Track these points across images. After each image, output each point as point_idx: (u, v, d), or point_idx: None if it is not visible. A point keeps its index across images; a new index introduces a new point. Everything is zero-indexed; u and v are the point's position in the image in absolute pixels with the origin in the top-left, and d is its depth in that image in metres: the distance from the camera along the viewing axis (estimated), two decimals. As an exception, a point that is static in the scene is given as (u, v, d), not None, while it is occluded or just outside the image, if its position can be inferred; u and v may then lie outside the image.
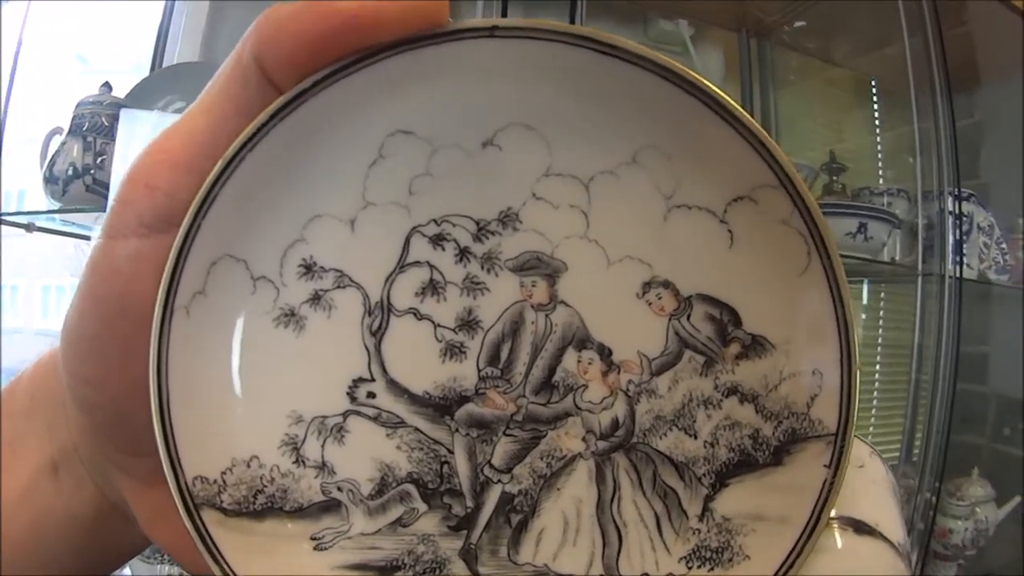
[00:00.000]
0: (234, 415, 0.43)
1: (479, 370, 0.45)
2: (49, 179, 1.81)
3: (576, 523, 0.46)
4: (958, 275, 2.40)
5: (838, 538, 0.50)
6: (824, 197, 2.43)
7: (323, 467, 0.45)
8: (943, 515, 2.45)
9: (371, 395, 0.45)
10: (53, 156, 1.83)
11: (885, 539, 0.51)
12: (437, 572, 0.45)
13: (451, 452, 0.45)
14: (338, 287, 0.44)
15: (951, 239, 2.40)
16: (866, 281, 2.89)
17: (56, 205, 1.84)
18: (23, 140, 2.07)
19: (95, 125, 1.81)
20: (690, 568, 0.45)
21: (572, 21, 2.09)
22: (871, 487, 0.55)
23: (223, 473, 0.43)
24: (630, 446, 0.45)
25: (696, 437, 0.45)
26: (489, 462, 0.46)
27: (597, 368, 0.45)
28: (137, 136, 1.70)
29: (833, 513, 0.42)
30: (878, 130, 3.12)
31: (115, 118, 1.80)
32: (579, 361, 0.45)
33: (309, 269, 0.44)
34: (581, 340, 0.45)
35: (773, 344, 0.44)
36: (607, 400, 0.45)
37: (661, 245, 0.44)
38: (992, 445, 2.98)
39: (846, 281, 0.41)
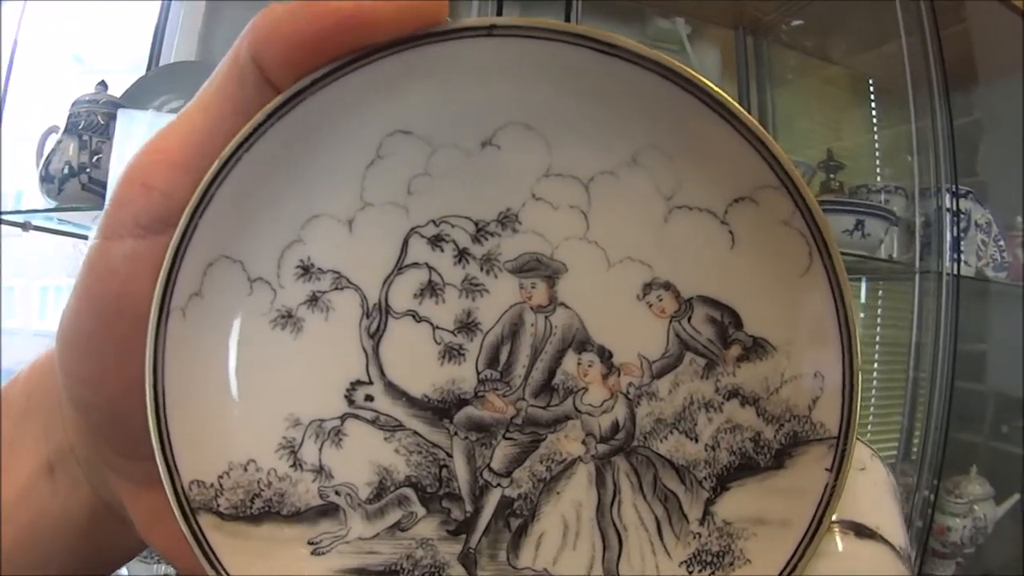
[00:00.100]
0: (231, 418, 0.43)
1: (478, 373, 0.45)
2: (45, 178, 1.81)
3: (576, 527, 0.45)
4: (955, 272, 2.40)
5: (839, 542, 0.50)
6: (821, 195, 2.43)
7: (321, 471, 0.44)
8: (941, 513, 2.45)
9: (369, 398, 0.45)
10: (49, 155, 1.83)
11: (886, 542, 0.51)
12: None
13: (450, 456, 0.45)
14: (336, 288, 0.44)
15: (948, 236, 2.40)
16: (864, 279, 2.89)
17: (52, 204, 1.85)
18: (21, 140, 2.07)
19: (91, 124, 1.81)
20: (691, 572, 0.44)
21: (568, 19, 2.09)
22: (872, 490, 0.55)
23: (220, 477, 0.42)
24: (630, 449, 0.45)
25: (697, 440, 0.45)
26: (488, 466, 0.45)
27: (597, 371, 0.45)
28: (134, 135, 1.70)
29: (834, 516, 0.42)
30: (876, 128, 3.12)
31: (111, 117, 1.81)
32: (579, 363, 0.45)
33: (307, 270, 0.43)
34: (581, 342, 0.45)
35: (774, 346, 0.44)
36: (607, 403, 0.45)
37: (662, 246, 0.44)
38: (990, 443, 2.98)
39: (848, 282, 0.40)
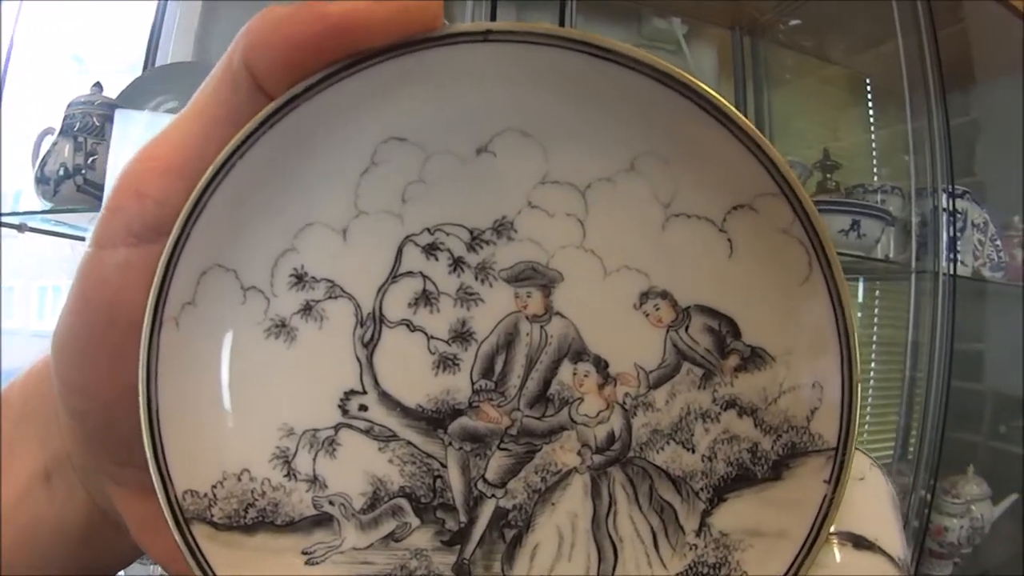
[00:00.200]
0: (225, 427, 0.43)
1: (473, 383, 0.45)
2: (40, 179, 1.81)
3: (571, 538, 0.45)
4: (952, 272, 2.40)
5: (837, 553, 0.49)
6: (818, 195, 2.44)
7: (315, 481, 0.44)
8: (938, 513, 2.45)
9: (363, 408, 0.44)
10: (44, 156, 1.83)
11: (885, 554, 0.51)
12: None
13: (444, 466, 0.45)
14: (330, 297, 0.44)
15: (945, 236, 2.40)
16: (861, 279, 2.89)
17: (48, 205, 1.84)
18: (19, 141, 2.07)
19: (86, 125, 1.80)
20: None
21: (562, 19, 2.09)
22: (871, 501, 0.54)
23: (213, 487, 0.42)
24: (626, 460, 0.45)
25: (694, 451, 0.45)
26: (483, 476, 0.45)
27: (593, 381, 0.45)
28: (131, 136, 1.70)
29: (832, 528, 0.41)
30: (873, 128, 3.12)
31: (106, 118, 1.81)
32: (575, 373, 0.45)
33: (300, 279, 0.43)
34: (577, 352, 0.45)
35: (773, 356, 0.44)
36: (603, 413, 0.45)
37: (659, 255, 0.44)
38: (988, 443, 2.98)
39: (848, 292, 0.40)
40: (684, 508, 0.45)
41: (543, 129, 0.42)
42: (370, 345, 0.44)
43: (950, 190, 2.44)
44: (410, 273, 0.44)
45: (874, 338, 2.99)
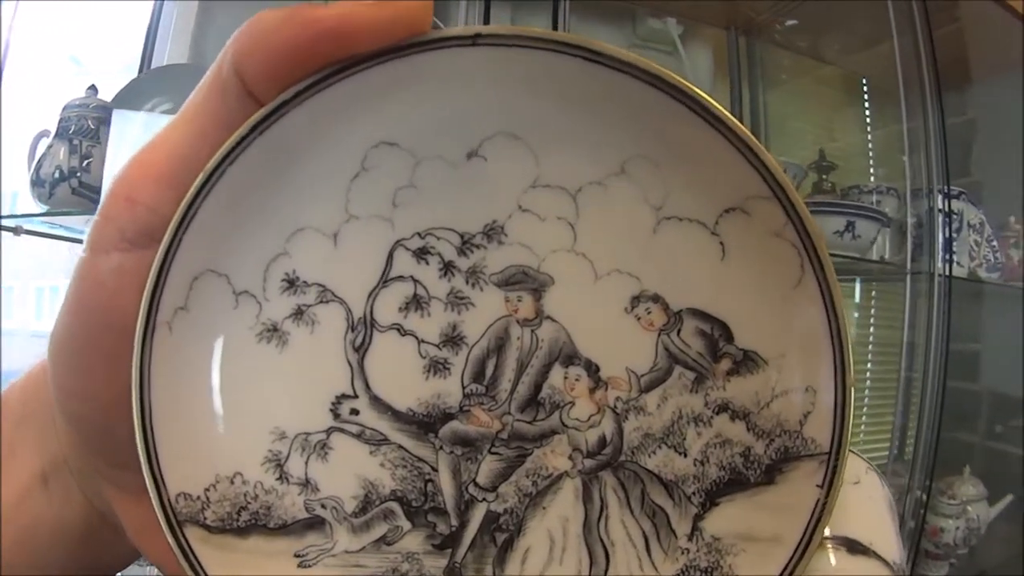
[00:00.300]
0: (217, 431, 0.43)
1: (463, 387, 0.45)
2: (36, 182, 1.80)
3: (562, 542, 0.45)
4: (947, 273, 2.40)
5: (831, 558, 0.49)
6: (813, 195, 2.44)
7: (307, 484, 0.44)
8: (934, 514, 2.45)
9: (354, 412, 0.44)
10: (40, 159, 1.82)
11: (880, 559, 0.51)
12: None
13: (435, 470, 0.45)
14: (321, 302, 0.44)
15: (940, 237, 2.40)
16: (858, 280, 2.89)
17: (43, 208, 1.84)
18: (17, 142, 2.07)
19: (81, 128, 1.80)
20: None
21: (555, 20, 2.09)
22: (867, 504, 0.54)
23: (206, 490, 0.42)
24: (618, 464, 0.45)
25: (686, 455, 0.45)
26: (474, 480, 0.45)
27: (584, 385, 0.45)
28: (127, 137, 1.70)
29: (826, 532, 0.41)
30: (869, 129, 3.12)
31: (101, 121, 1.80)
32: (566, 377, 0.45)
33: (292, 284, 0.43)
34: (568, 356, 0.45)
35: (765, 360, 0.43)
36: (594, 417, 0.45)
37: (650, 258, 0.44)
38: (985, 443, 2.99)
39: (841, 294, 0.40)
40: (676, 512, 0.45)
41: (533, 133, 0.42)
42: (361, 349, 0.44)
43: (946, 191, 2.44)
44: (401, 277, 0.44)
45: (870, 339, 2.99)
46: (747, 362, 0.44)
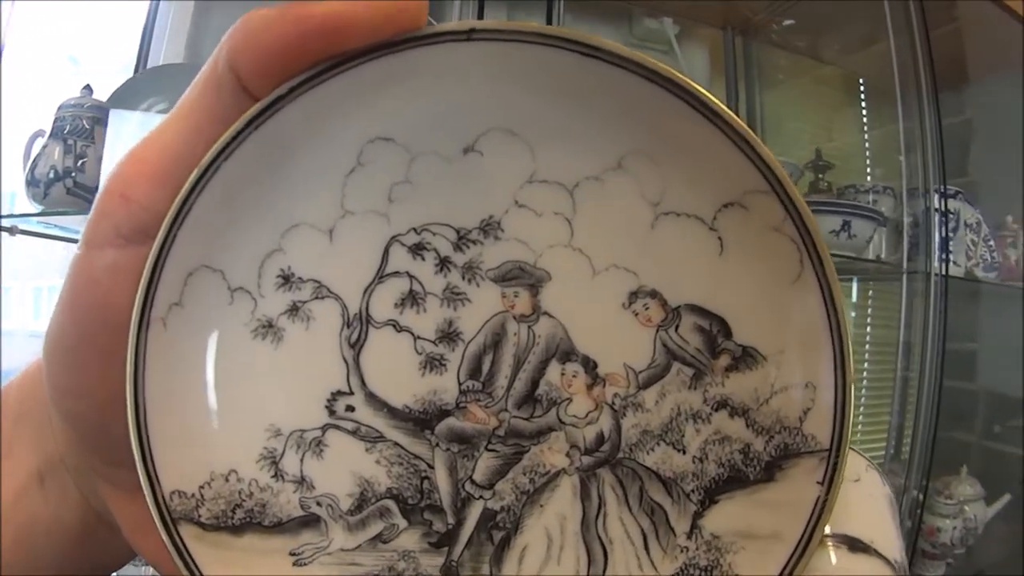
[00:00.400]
0: (212, 428, 0.43)
1: (460, 383, 0.45)
2: (31, 182, 1.80)
3: (560, 540, 0.45)
4: (944, 272, 2.40)
5: (832, 556, 0.49)
6: (810, 195, 2.44)
7: (302, 481, 0.44)
8: (931, 513, 2.45)
9: (350, 408, 0.44)
10: (35, 159, 1.83)
11: (881, 557, 0.50)
12: None
13: (431, 467, 0.45)
14: (316, 298, 0.44)
15: (937, 236, 2.40)
16: (855, 279, 2.90)
17: (39, 208, 1.84)
18: (16, 143, 2.07)
19: (76, 128, 1.80)
20: None
21: (549, 19, 2.09)
22: (867, 502, 0.54)
23: (201, 487, 0.42)
24: (616, 461, 0.45)
25: (684, 452, 0.44)
26: (470, 478, 0.45)
27: (581, 381, 0.45)
28: (124, 137, 1.71)
29: (827, 530, 0.41)
30: (866, 129, 3.12)
31: (96, 121, 1.81)
32: (563, 374, 0.45)
33: (287, 280, 0.43)
34: (565, 352, 0.44)
35: (764, 356, 0.43)
36: (592, 414, 0.45)
37: (648, 253, 0.43)
38: (982, 442, 2.99)
39: (840, 290, 0.40)
40: (675, 510, 0.44)
41: (530, 128, 0.42)
42: (357, 346, 0.44)
43: (942, 190, 2.44)
44: (396, 273, 0.44)
45: (867, 338, 2.99)
46: (746, 358, 0.43)
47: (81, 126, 1.80)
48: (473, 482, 0.45)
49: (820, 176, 2.52)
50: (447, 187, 0.43)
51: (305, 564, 0.44)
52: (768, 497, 0.43)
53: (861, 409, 2.85)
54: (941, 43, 2.51)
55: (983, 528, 2.53)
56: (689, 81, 0.38)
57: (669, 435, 0.44)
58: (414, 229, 0.43)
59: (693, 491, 0.44)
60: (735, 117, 0.38)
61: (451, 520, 0.45)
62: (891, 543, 0.52)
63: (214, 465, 0.43)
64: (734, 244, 0.43)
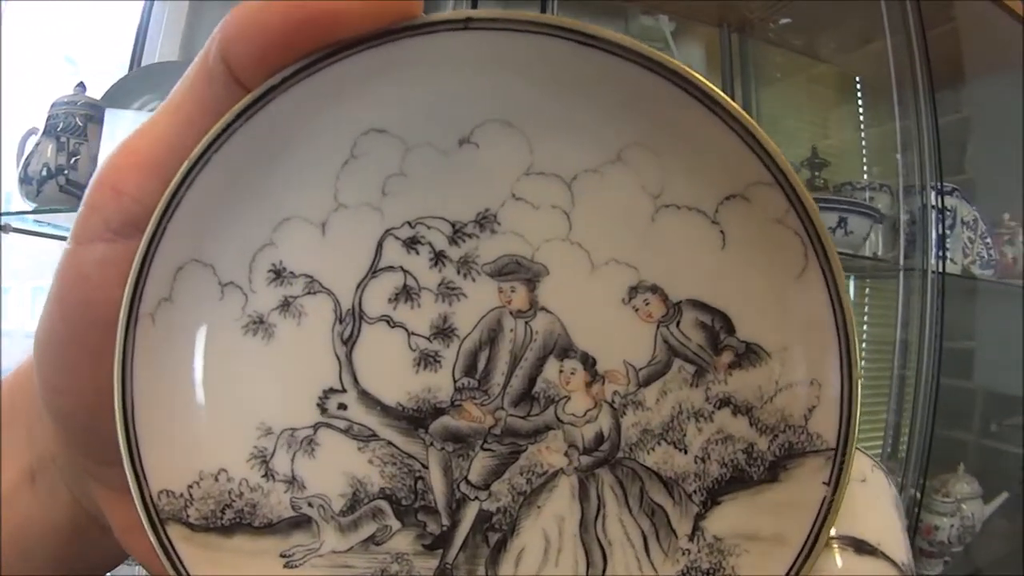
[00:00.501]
0: (201, 426, 0.42)
1: (455, 381, 0.44)
2: (24, 180, 1.82)
3: (558, 542, 0.44)
4: (941, 270, 2.41)
5: (838, 559, 0.49)
6: (804, 192, 2.45)
7: (293, 481, 0.43)
8: (928, 512, 2.46)
9: (342, 406, 0.44)
10: (28, 156, 1.84)
11: (888, 559, 0.50)
12: None
13: (425, 467, 0.44)
14: (308, 293, 0.43)
15: (933, 234, 2.41)
16: (852, 277, 2.90)
17: (32, 206, 1.85)
18: (13, 142, 2.08)
19: (69, 125, 1.81)
20: None
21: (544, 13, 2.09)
22: (873, 503, 0.54)
23: (190, 487, 0.41)
24: (615, 461, 0.44)
25: (686, 452, 0.44)
26: (466, 478, 0.44)
27: (580, 378, 0.44)
28: (118, 136, 1.71)
29: (833, 532, 0.41)
30: (863, 127, 3.13)
31: (88, 118, 1.83)
32: (561, 371, 0.44)
33: (279, 274, 0.42)
34: (563, 349, 0.44)
35: (768, 352, 0.43)
36: (591, 412, 0.44)
37: (648, 247, 0.43)
38: (979, 441, 3.01)
39: (846, 285, 0.39)
40: (676, 511, 0.44)
41: (527, 119, 0.41)
42: (349, 342, 0.43)
43: (939, 187, 2.45)
44: (390, 268, 0.43)
45: (863, 336, 3.00)
46: (749, 355, 0.43)
47: (74, 123, 1.81)
48: (468, 482, 0.44)
49: (816, 174, 2.54)
50: (442, 180, 0.42)
51: (296, 566, 0.43)
52: (772, 498, 0.42)
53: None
54: (938, 42, 2.53)
55: (981, 526, 2.54)
56: (690, 70, 0.37)
57: (670, 434, 0.44)
58: (408, 223, 0.42)
59: (695, 492, 0.44)
60: (737, 107, 0.38)
61: (446, 522, 0.44)
62: (898, 545, 0.51)
63: (203, 464, 0.42)
64: (737, 237, 0.42)
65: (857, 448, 0.41)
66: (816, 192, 2.46)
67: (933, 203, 2.43)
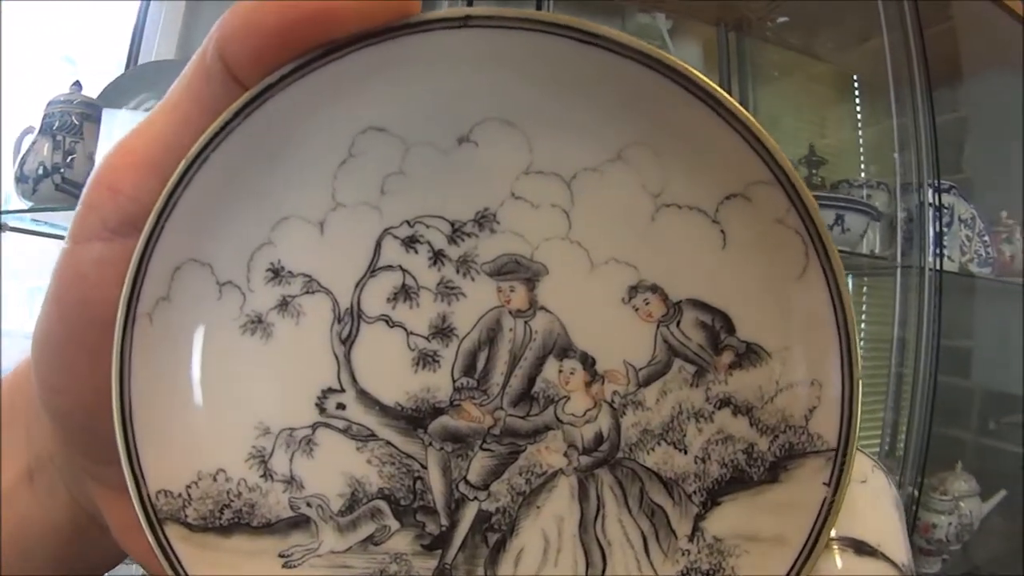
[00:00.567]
0: (199, 426, 0.42)
1: (454, 380, 0.44)
2: (20, 178, 1.82)
3: (557, 543, 0.44)
4: (938, 267, 2.41)
5: (838, 560, 0.49)
6: (802, 190, 2.45)
7: (291, 481, 0.43)
8: (926, 510, 2.46)
9: (341, 406, 0.44)
10: (24, 155, 1.84)
11: (888, 560, 0.50)
12: None
13: (424, 467, 0.44)
14: (306, 292, 0.43)
15: (931, 231, 2.41)
16: (850, 275, 2.90)
17: (28, 204, 1.85)
18: (10, 142, 2.08)
19: (65, 124, 1.82)
20: None
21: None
22: (874, 504, 0.54)
23: (188, 487, 0.41)
24: (615, 461, 0.44)
25: (686, 452, 0.44)
26: (464, 478, 0.44)
27: (580, 378, 0.44)
28: (115, 135, 1.71)
29: (833, 532, 0.40)
30: (860, 125, 3.13)
31: (85, 117, 1.83)
32: (560, 371, 0.44)
33: (277, 274, 0.42)
34: (563, 348, 0.44)
35: (769, 352, 0.43)
36: (590, 412, 0.44)
37: (648, 247, 0.43)
38: (977, 439, 3.01)
39: (847, 284, 0.39)
40: (676, 512, 0.44)
41: (526, 118, 0.41)
42: (348, 341, 0.43)
43: (936, 185, 2.45)
44: (389, 267, 0.43)
45: (861, 334, 3.00)
46: (750, 355, 0.43)
47: (70, 122, 1.82)
48: (467, 483, 0.44)
49: (814, 172, 2.54)
50: (441, 178, 0.42)
51: (295, 566, 0.43)
52: (773, 499, 0.42)
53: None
54: (936, 40, 2.53)
55: (978, 524, 2.54)
56: (690, 68, 0.37)
57: (670, 434, 0.44)
58: (407, 222, 0.42)
59: (695, 492, 0.44)
60: (738, 105, 0.38)
61: (444, 522, 0.44)
62: (898, 546, 0.51)
63: (201, 464, 0.42)
64: (737, 237, 0.42)
65: (858, 449, 0.41)
66: (813, 190, 2.46)
67: (930, 201, 2.43)
